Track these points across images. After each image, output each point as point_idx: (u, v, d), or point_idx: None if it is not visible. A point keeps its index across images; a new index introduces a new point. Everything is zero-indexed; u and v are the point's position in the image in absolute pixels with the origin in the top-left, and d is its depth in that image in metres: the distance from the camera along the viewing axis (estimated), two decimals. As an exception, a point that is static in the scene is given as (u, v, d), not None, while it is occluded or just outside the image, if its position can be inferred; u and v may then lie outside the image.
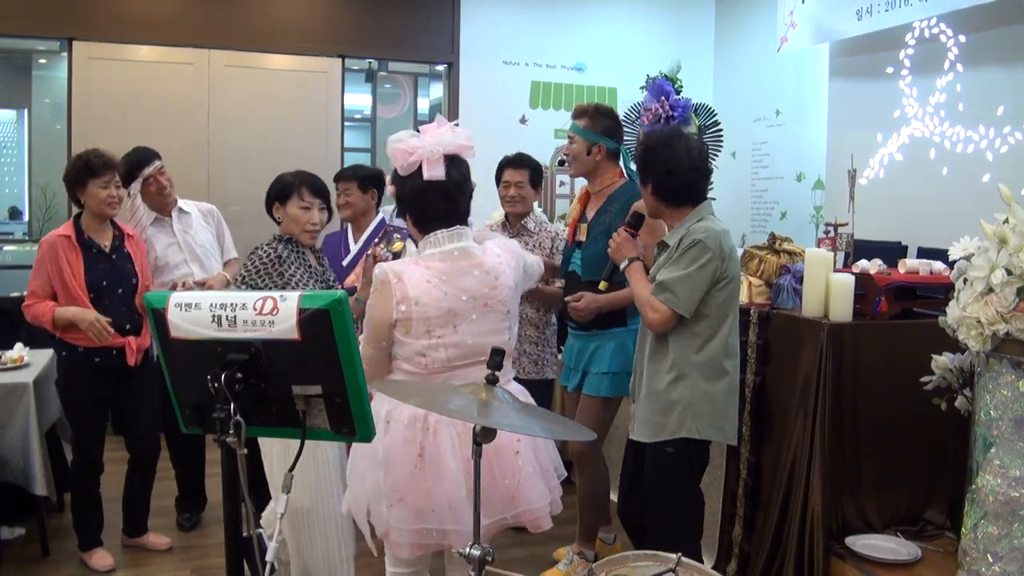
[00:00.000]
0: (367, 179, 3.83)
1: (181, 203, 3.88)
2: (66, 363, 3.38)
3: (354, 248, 3.80)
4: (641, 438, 2.68)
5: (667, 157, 2.62)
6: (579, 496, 3.43)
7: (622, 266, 2.76)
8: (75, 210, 3.51)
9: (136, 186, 3.67)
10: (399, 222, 4.16)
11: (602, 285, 2.90)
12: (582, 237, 3.28)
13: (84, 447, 3.43)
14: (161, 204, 3.79)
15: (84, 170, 3.32)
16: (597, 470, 3.41)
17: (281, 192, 2.99)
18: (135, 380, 3.46)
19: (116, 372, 3.40)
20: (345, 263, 3.77)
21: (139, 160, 3.68)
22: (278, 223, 3.02)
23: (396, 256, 3.79)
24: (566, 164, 3.40)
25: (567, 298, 3.19)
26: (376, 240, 3.80)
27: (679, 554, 1.91)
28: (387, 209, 4.38)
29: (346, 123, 6.30)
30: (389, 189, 2.30)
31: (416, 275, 2.21)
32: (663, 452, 2.63)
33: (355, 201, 3.80)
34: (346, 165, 5.72)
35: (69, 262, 3.29)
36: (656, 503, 2.68)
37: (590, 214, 3.29)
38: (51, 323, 3.29)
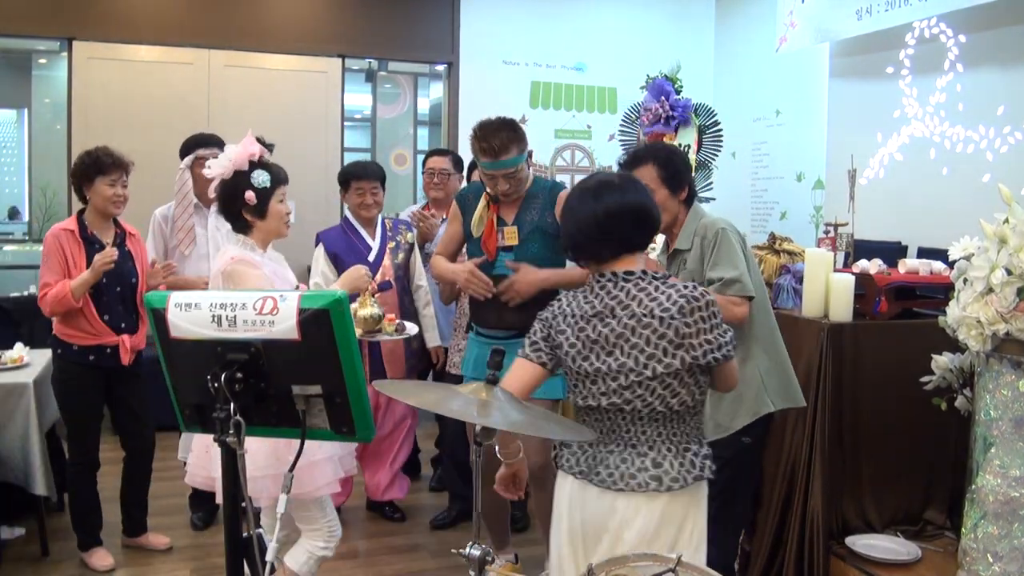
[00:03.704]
0: (384, 179, 4.01)
1: None
2: (61, 360, 3.38)
3: (375, 244, 3.87)
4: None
5: (685, 159, 2.67)
6: (538, 512, 3.19)
7: None
8: (74, 211, 3.51)
9: (188, 161, 3.75)
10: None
11: None
12: (512, 242, 3.03)
13: (79, 445, 3.43)
14: (203, 191, 3.79)
15: (93, 166, 3.33)
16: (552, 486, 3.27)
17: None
18: (130, 378, 3.47)
19: (110, 371, 3.40)
20: (372, 259, 3.81)
21: (200, 141, 3.82)
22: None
23: (412, 246, 3.97)
24: (500, 202, 3.05)
25: (504, 283, 2.88)
26: (392, 234, 3.98)
27: (679, 554, 1.91)
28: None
29: (346, 123, 6.29)
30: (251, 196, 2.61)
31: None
32: (737, 444, 2.58)
33: (381, 201, 3.94)
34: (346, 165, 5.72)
35: (72, 256, 3.30)
36: (719, 500, 2.62)
37: (508, 217, 3.05)
38: (71, 296, 3.25)
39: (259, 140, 2.62)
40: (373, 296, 3.25)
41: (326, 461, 2.63)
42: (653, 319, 1.91)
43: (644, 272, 1.99)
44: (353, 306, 3.02)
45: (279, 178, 2.64)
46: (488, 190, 3.03)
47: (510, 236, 3.03)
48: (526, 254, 3.01)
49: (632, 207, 2.01)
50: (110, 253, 3.29)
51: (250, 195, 2.56)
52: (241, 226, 2.62)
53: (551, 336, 2.06)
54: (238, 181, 2.57)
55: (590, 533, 2.01)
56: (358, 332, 2.86)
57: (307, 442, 2.37)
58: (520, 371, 2.08)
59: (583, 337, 1.99)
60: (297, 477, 2.50)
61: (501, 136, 2.89)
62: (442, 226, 4.12)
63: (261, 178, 2.57)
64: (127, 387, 3.47)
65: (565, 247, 2.14)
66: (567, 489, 2.08)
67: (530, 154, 3.09)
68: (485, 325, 3.09)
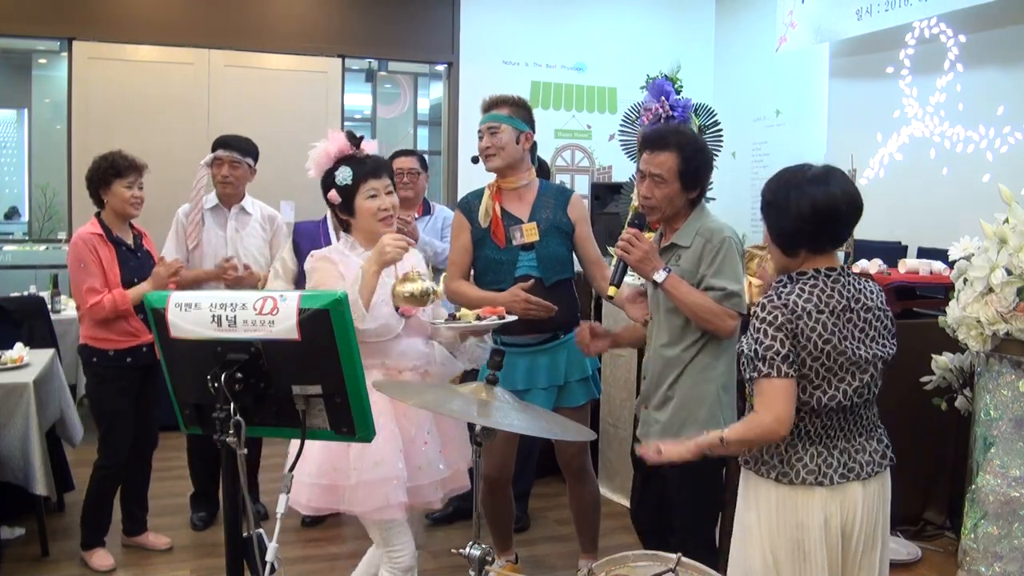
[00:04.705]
0: None
1: (247, 203, 3.88)
2: (98, 367, 3.37)
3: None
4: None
5: (710, 159, 2.60)
6: (582, 508, 3.23)
7: (660, 278, 2.46)
8: (75, 211, 3.52)
9: (207, 159, 3.75)
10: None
11: (613, 291, 2.60)
12: (532, 238, 2.96)
13: (114, 448, 3.40)
14: (221, 193, 3.82)
15: (110, 169, 3.36)
16: (594, 480, 3.27)
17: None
18: (156, 375, 3.47)
19: (144, 369, 3.42)
20: None
21: (223, 143, 3.80)
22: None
23: None
24: (481, 160, 3.02)
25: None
26: None
27: (679, 554, 1.91)
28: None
29: (346, 123, 6.30)
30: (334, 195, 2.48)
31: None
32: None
33: None
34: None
35: (105, 259, 3.33)
36: (683, 493, 2.56)
37: (521, 213, 2.99)
38: (131, 305, 3.34)
39: (349, 134, 2.48)
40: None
41: (380, 482, 2.33)
42: (880, 310, 2.04)
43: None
44: (405, 284, 2.37)
45: (364, 172, 2.42)
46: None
47: (530, 233, 2.96)
48: (547, 250, 2.97)
49: (858, 198, 2.01)
50: (174, 266, 3.42)
51: (333, 194, 2.43)
52: (343, 225, 2.52)
53: (797, 339, 1.94)
54: (323, 180, 2.47)
55: (853, 530, 2.07)
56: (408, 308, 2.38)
57: (364, 458, 2.30)
58: (782, 393, 1.93)
59: (837, 333, 1.96)
60: (350, 495, 2.35)
61: (500, 96, 3.05)
62: (420, 225, 4.07)
63: (343, 175, 2.42)
64: (150, 385, 3.49)
65: (784, 233, 2.00)
66: (818, 503, 2.02)
67: (528, 137, 3.07)
68: (510, 333, 2.87)
